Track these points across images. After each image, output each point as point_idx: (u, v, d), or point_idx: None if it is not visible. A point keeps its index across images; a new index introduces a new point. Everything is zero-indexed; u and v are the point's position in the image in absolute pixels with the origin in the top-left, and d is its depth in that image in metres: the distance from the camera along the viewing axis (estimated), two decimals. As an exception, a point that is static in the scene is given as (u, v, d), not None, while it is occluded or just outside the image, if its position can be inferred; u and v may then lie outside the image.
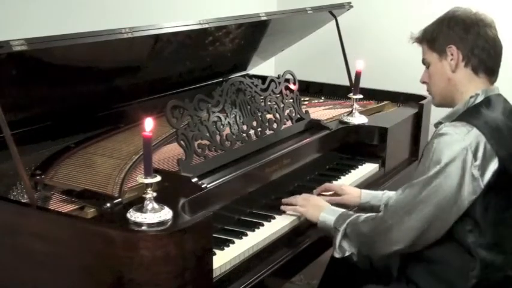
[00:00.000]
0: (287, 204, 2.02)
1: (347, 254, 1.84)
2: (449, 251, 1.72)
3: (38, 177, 1.79)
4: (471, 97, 1.77)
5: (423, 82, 1.90)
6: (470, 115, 1.72)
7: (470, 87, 1.78)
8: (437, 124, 1.84)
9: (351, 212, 1.92)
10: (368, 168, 2.44)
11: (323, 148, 2.37)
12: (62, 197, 1.72)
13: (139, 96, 2.37)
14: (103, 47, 1.84)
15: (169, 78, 2.46)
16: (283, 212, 2.02)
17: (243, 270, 1.73)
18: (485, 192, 1.66)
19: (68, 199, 1.70)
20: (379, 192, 2.13)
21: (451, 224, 1.68)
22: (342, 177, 2.34)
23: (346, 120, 2.51)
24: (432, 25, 1.85)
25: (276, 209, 2.02)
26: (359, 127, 2.51)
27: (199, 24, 2.10)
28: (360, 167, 2.45)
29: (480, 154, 1.65)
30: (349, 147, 2.51)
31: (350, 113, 2.54)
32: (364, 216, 1.85)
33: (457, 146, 1.64)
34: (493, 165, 1.66)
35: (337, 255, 1.86)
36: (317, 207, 1.96)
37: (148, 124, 1.52)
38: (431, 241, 1.71)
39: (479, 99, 1.76)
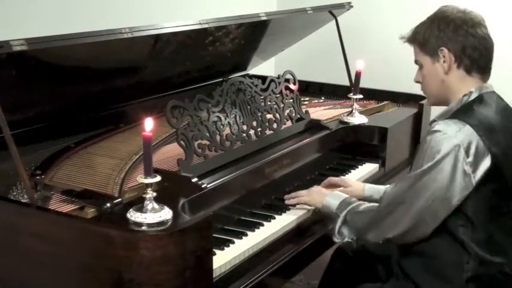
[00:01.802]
0: (291, 199, 2.05)
1: (346, 240, 1.89)
2: (444, 245, 1.73)
3: (38, 177, 1.79)
4: (464, 95, 1.79)
5: (417, 82, 1.91)
6: (463, 113, 1.74)
7: (463, 86, 1.80)
8: (432, 122, 1.86)
9: (353, 199, 1.97)
10: (368, 168, 2.44)
11: (323, 148, 2.37)
12: (62, 197, 1.72)
13: (139, 96, 2.37)
14: (103, 47, 1.84)
15: (169, 78, 2.46)
16: (284, 212, 2.02)
17: (243, 270, 1.73)
18: (476, 188, 1.68)
19: (68, 199, 1.70)
20: (382, 187, 2.16)
21: (442, 219, 1.70)
22: (342, 177, 2.34)
23: (346, 120, 2.51)
24: (422, 26, 1.85)
25: (276, 209, 2.02)
26: (359, 127, 2.51)
27: (199, 24, 2.11)
28: (360, 167, 2.45)
29: (472, 151, 1.67)
30: (349, 147, 2.51)
31: (350, 113, 2.54)
32: (364, 205, 1.91)
33: (449, 142, 1.66)
34: (486, 163, 1.68)
35: (336, 240, 1.91)
36: (320, 193, 2.02)
37: (148, 124, 1.52)
38: (422, 235, 1.74)
39: (473, 96, 1.78)
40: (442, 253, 1.74)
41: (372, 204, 1.92)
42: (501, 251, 1.74)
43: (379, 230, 1.81)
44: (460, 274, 1.72)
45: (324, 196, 1.99)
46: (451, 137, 1.67)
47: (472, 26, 1.78)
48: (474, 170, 1.67)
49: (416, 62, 1.89)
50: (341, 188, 2.14)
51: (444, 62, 1.79)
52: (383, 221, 1.79)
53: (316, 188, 2.08)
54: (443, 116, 1.81)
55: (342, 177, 2.25)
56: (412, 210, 1.72)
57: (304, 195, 2.04)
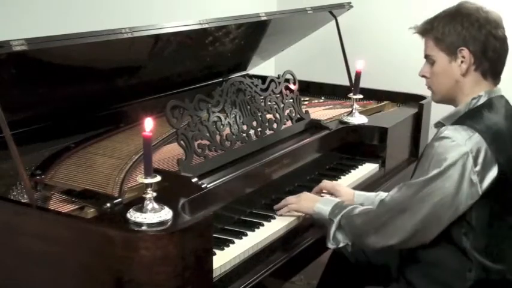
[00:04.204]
0: (280, 209, 1.98)
1: (341, 245, 1.83)
2: (446, 253, 1.71)
3: (38, 177, 1.79)
4: (473, 98, 1.75)
5: (423, 76, 1.84)
6: (472, 118, 1.69)
7: (476, 89, 1.75)
8: (438, 124, 1.82)
9: (346, 203, 1.90)
10: (368, 168, 2.44)
11: (323, 148, 2.37)
12: (62, 197, 1.72)
13: (139, 96, 2.37)
14: (103, 47, 1.84)
15: (169, 78, 2.46)
16: (283, 212, 2.02)
17: (243, 270, 1.73)
18: (481, 197, 1.65)
19: (68, 199, 1.70)
20: (372, 194, 2.11)
21: (445, 227, 1.67)
22: (342, 177, 2.34)
23: (346, 120, 2.50)
24: (441, 20, 1.75)
25: (275, 209, 2.02)
26: (359, 127, 2.51)
27: (199, 24, 2.10)
28: (360, 167, 2.45)
29: (481, 160, 1.63)
30: (349, 147, 2.51)
31: (350, 113, 2.54)
32: (359, 208, 1.84)
33: (458, 150, 1.62)
34: (493, 173, 1.64)
35: (330, 246, 1.86)
36: (310, 199, 1.95)
37: (148, 124, 1.52)
38: (424, 241, 1.71)
39: (482, 100, 1.74)
40: (444, 261, 1.72)
41: (367, 207, 1.85)
42: (503, 258, 1.73)
43: (380, 236, 1.75)
44: (462, 283, 1.70)
45: (315, 202, 1.92)
46: (460, 144, 1.63)
47: (495, 27, 1.72)
48: (481, 180, 1.64)
49: (426, 56, 1.81)
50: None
51: (462, 62, 1.73)
52: (384, 227, 1.73)
53: (305, 195, 1.99)
54: (450, 119, 1.77)
55: (334, 183, 2.19)
56: (417, 217, 1.67)
57: (293, 202, 1.96)
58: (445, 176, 1.63)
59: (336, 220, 1.84)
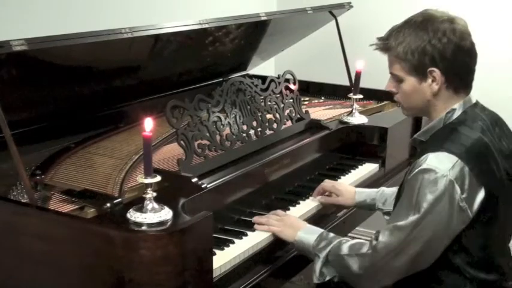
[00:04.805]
0: (260, 222, 1.89)
1: (327, 278, 1.77)
2: (440, 273, 1.68)
3: (38, 177, 1.79)
4: (448, 112, 1.70)
5: (390, 91, 1.76)
6: (451, 141, 1.63)
7: (448, 104, 1.70)
8: (415, 140, 1.79)
9: (331, 234, 1.81)
10: (368, 168, 2.44)
11: (323, 148, 2.37)
12: (62, 197, 1.72)
13: (139, 96, 2.37)
14: (103, 47, 1.84)
15: (169, 78, 2.46)
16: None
17: (243, 270, 1.73)
18: (472, 218, 1.63)
19: (68, 199, 1.70)
20: (373, 190, 2.11)
21: (440, 253, 1.65)
22: (342, 177, 2.34)
23: (346, 120, 2.51)
24: (405, 36, 1.66)
25: (276, 209, 2.02)
26: (359, 127, 2.51)
27: (199, 24, 2.10)
28: (360, 167, 2.45)
29: (466, 186, 1.59)
30: (349, 147, 2.51)
31: (350, 113, 2.54)
32: (347, 245, 1.74)
33: (443, 181, 1.57)
34: (480, 195, 1.61)
35: (316, 280, 1.78)
36: (292, 227, 1.85)
37: (148, 124, 1.52)
38: (419, 270, 1.67)
39: (456, 114, 1.69)
40: (438, 281, 1.69)
41: (356, 241, 1.75)
42: (496, 268, 1.71)
43: (376, 278, 1.70)
44: None
45: (297, 231, 1.82)
46: (444, 175, 1.57)
47: (463, 39, 1.64)
48: (470, 205, 1.60)
49: (392, 74, 1.72)
50: (331, 198, 2.12)
51: (433, 82, 1.66)
52: (380, 271, 1.68)
53: (289, 220, 1.88)
54: (426, 134, 1.73)
55: (334, 182, 2.17)
56: (412, 256, 1.63)
57: (274, 225, 1.86)
58: (434, 211, 1.58)
59: (322, 256, 1.76)
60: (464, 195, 1.59)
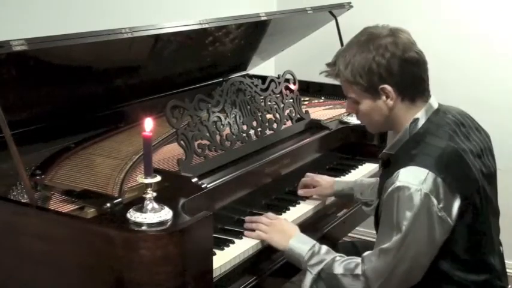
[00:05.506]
0: (250, 227, 1.87)
1: None
2: (429, 280, 1.67)
3: (38, 177, 1.79)
4: (411, 123, 1.69)
5: (350, 112, 1.77)
6: (419, 152, 1.62)
7: (410, 115, 1.70)
8: (383, 155, 1.77)
9: (323, 249, 1.77)
10: (368, 168, 2.45)
11: (323, 148, 2.37)
12: (62, 197, 1.72)
13: (139, 96, 2.37)
14: (103, 47, 1.84)
15: (169, 78, 2.46)
16: (284, 212, 2.02)
17: (243, 270, 1.73)
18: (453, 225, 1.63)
19: (68, 199, 1.70)
20: (351, 181, 2.16)
21: (429, 265, 1.65)
22: (341, 177, 2.34)
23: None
24: (350, 60, 1.67)
25: (276, 209, 2.02)
26: (359, 127, 2.49)
27: (199, 24, 2.10)
28: (360, 167, 2.45)
29: (442, 196, 1.59)
30: (349, 147, 2.51)
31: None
32: (341, 264, 1.72)
33: (418, 196, 1.56)
34: (457, 202, 1.61)
35: None
36: (283, 233, 1.83)
37: (148, 124, 1.52)
38: (413, 284, 1.67)
39: (420, 123, 1.69)
40: (429, 285, 1.68)
41: (351, 260, 1.72)
42: (486, 268, 1.71)
43: None
44: None
45: (288, 238, 1.80)
46: (418, 189, 1.56)
47: (406, 50, 1.64)
48: (449, 213, 1.60)
49: (347, 97, 1.74)
50: (311, 190, 2.14)
51: (387, 97, 1.67)
52: None
53: (280, 224, 1.85)
54: (394, 148, 1.72)
55: (313, 175, 2.18)
56: (400, 274, 1.63)
57: (263, 230, 1.83)
58: (415, 227, 1.58)
59: (315, 272, 1.74)
60: (441, 205, 1.59)
